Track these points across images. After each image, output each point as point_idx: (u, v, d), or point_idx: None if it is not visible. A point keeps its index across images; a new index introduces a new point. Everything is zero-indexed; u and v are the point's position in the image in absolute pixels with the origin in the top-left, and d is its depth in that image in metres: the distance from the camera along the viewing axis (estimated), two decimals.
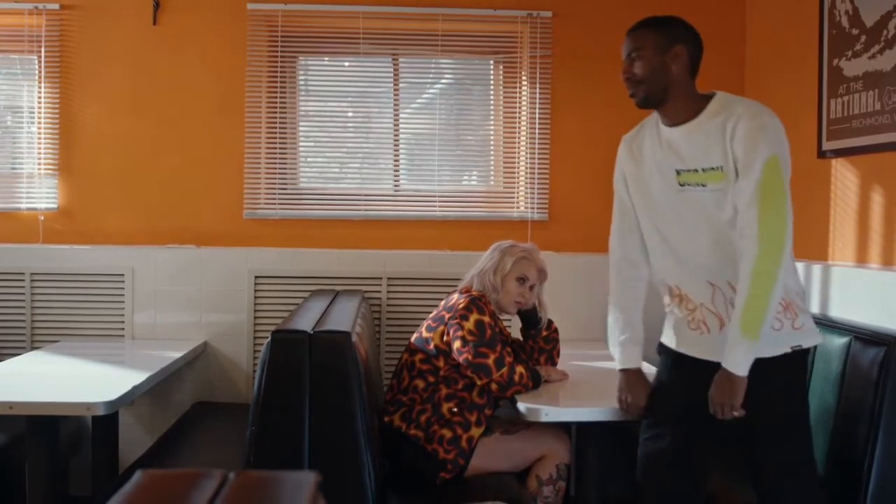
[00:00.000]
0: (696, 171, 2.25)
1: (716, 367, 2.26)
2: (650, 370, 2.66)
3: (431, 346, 2.92)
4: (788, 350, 2.27)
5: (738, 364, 2.18)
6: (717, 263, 2.27)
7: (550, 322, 3.15)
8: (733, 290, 2.24)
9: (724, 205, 2.22)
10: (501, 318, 3.11)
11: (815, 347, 2.93)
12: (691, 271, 2.32)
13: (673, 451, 2.41)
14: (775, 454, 2.31)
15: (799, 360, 2.32)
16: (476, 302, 2.90)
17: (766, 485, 2.35)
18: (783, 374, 2.30)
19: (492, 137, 4.18)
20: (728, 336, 2.21)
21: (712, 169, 2.22)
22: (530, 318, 3.17)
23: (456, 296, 3.00)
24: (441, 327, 2.92)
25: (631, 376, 2.51)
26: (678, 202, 2.30)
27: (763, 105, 2.29)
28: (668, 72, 2.26)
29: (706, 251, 2.28)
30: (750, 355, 2.18)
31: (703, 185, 2.24)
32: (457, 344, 2.86)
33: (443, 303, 3.05)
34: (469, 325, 2.85)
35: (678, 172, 2.28)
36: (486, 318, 2.87)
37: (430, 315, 3.03)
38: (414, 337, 3.03)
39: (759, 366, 2.22)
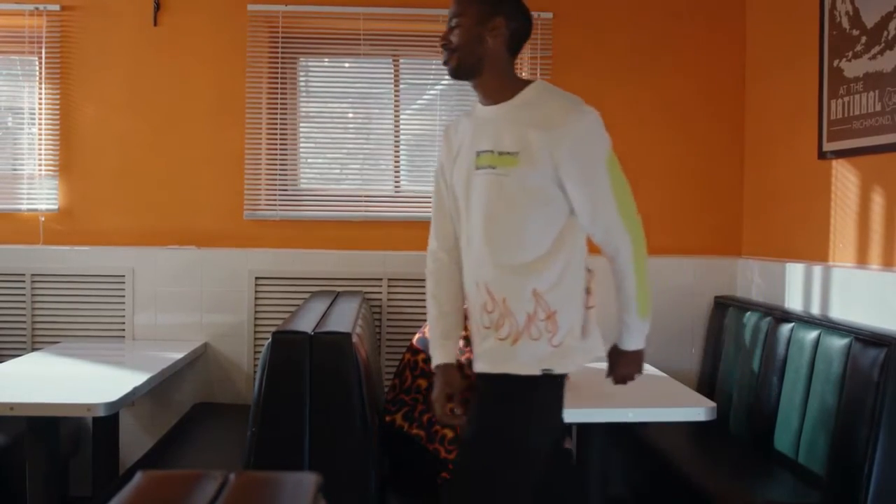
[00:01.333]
0: (492, 152, 2.15)
1: (489, 377, 2.17)
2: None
3: None
4: (538, 372, 2.11)
5: (641, 341, 2.23)
6: (480, 263, 2.19)
7: None
8: (488, 294, 2.16)
9: (505, 194, 2.12)
10: None
11: (818, 346, 2.94)
12: (468, 270, 2.25)
13: None
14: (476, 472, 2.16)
15: (548, 387, 2.15)
16: None
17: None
18: (528, 399, 2.14)
19: None
20: (624, 323, 2.20)
21: (507, 153, 2.12)
22: None
23: None
24: None
25: (440, 372, 2.30)
26: (471, 188, 2.20)
27: (578, 98, 2.18)
28: (484, 44, 2.17)
29: (477, 247, 2.19)
30: (646, 330, 2.22)
31: (493, 168, 2.14)
32: (459, 343, 2.85)
33: None
34: None
35: (478, 154, 2.18)
36: None
37: None
38: (416, 337, 3.03)
39: (506, 382, 2.13)
